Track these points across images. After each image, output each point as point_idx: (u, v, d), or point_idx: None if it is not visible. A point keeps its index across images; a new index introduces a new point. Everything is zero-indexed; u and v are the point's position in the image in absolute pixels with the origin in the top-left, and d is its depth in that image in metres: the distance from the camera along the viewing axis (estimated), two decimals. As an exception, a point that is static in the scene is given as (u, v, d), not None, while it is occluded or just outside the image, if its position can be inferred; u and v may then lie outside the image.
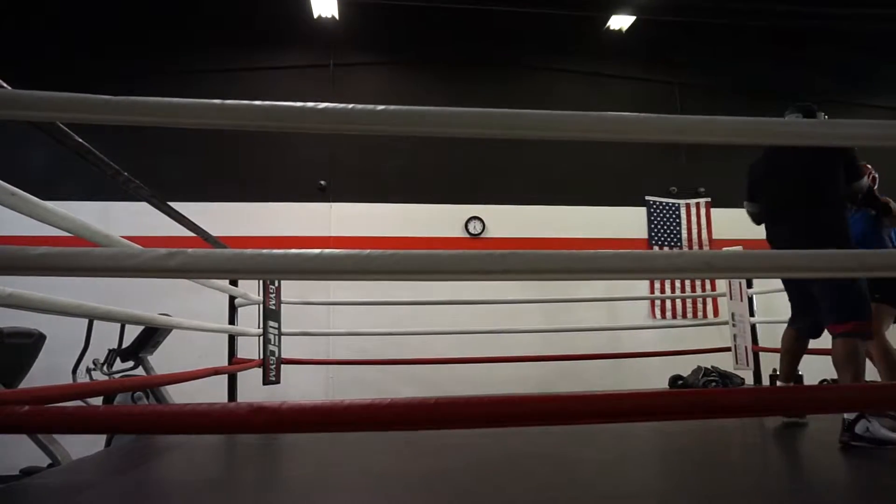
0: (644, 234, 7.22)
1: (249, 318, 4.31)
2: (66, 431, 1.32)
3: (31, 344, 3.54)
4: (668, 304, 7.01)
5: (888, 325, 3.16)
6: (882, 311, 3.11)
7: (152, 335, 4.51)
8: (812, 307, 2.85)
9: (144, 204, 2.65)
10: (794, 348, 3.09)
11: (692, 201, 7.33)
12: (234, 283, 3.98)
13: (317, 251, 1.37)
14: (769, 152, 3.11)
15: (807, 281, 2.77)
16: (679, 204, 7.33)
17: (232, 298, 4.08)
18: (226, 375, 3.95)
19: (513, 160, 7.04)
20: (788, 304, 3.23)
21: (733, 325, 4.79)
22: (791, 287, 3.05)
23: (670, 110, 7.35)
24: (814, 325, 2.93)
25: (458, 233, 6.96)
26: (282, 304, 4.32)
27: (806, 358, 4.46)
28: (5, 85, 1.52)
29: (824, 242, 2.40)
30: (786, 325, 3.20)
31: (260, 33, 7.08)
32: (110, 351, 4.54)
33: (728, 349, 4.87)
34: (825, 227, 2.74)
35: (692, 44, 7.60)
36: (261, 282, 4.11)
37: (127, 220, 5.01)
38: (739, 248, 4.48)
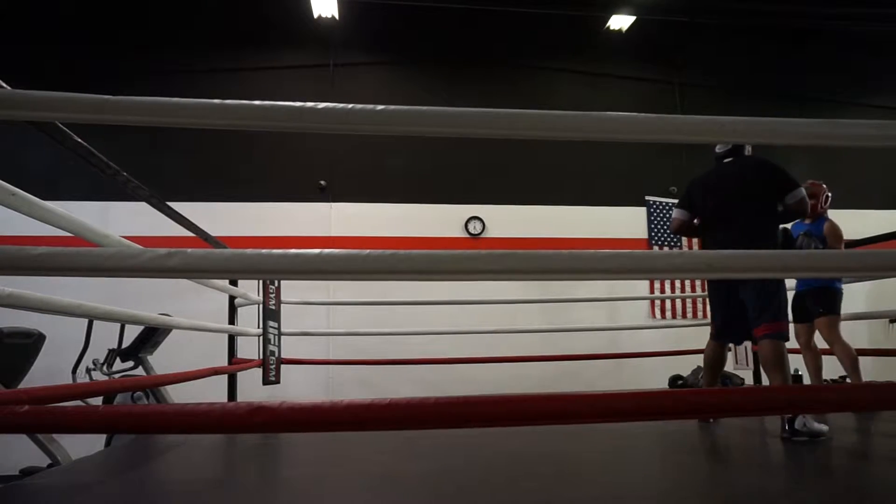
0: (644, 234, 7.22)
1: (249, 318, 4.31)
2: (66, 431, 1.32)
3: (31, 344, 3.54)
4: (668, 304, 7.01)
5: (839, 329, 3.82)
6: (833, 322, 3.80)
7: (152, 335, 4.51)
8: (737, 318, 3.08)
9: (144, 204, 2.65)
10: (715, 360, 3.30)
11: (692, 201, 7.33)
12: (234, 283, 3.98)
13: (317, 251, 1.37)
14: (712, 171, 3.38)
15: (735, 290, 3.04)
16: (679, 204, 7.34)
17: (232, 298, 4.07)
18: (226, 375, 3.95)
19: (513, 160, 7.04)
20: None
21: (733, 325, 4.78)
22: (718, 301, 3.23)
23: (670, 110, 7.36)
24: (737, 333, 3.22)
25: (458, 233, 6.96)
26: (282, 304, 4.32)
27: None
28: (5, 85, 1.52)
29: (758, 246, 2.80)
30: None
31: (260, 33, 7.08)
32: (110, 351, 4.54)
33: (728, 349, 4.86)
34: (759, 233, 2.97)
35: (692, 44, 7.60)
36: (261, 282, 4.11)
37: (127, 220, 5.01)
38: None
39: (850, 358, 3.80)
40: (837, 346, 3.82)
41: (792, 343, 3.83)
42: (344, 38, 7.12)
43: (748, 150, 3.35)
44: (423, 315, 5.84)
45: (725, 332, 3.22)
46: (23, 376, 3.56)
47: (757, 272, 1.67)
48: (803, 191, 3.04)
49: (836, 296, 3.88)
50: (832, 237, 3.88)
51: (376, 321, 5.83)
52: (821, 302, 3.86)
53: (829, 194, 3.90)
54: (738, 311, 3.05)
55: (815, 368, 4.03)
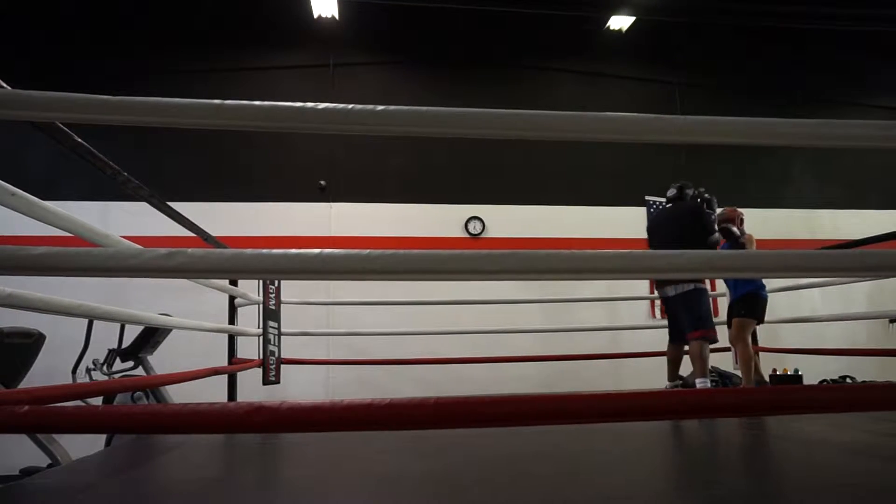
0: (644, 234, 7.21)
1: (249, 318, 4.31)
2: (66, 431, 1.32)
3: (31, 344, 3.54)
4: (668, 304, 7.00)
5: (749, 332, 4.36)
6: (745, 324, 4.31)
7: (152, 335, 4.51)
8: (677, 326, 4.11)
9: (144, 204, 2.65)
10: (675, 356, 4.24)
11: (692, 201, 7.32)
12: (234, 283, 3.98)
13: (317, 251, 1.37)
14: (660, 211, 4.39)
15: (675, 308, 4.04)
16: (679, 204, 7.33)
17: (232, 298, 4.07)
18: (226, 375, 3.95)
19: (513, 160, 7.04)
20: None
21: (733, 326, 4.80)
22: (668, 313, 4.22)
23: (670, 110, 7.35)
24: (679, 337, 4.13)
25: (458, 233, 6.95)
26: (282, 304, 4.32)
27: (806, 358, 4.82)
28: (5, 85, 1.52)
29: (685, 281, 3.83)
30: (759, 328, 4.52)
31: (260, 33, 7.08)
32: (110, 351, 4.54)
33: (728, 349, 4.87)
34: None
35: (692, 44, 7.60)
36: (261, 282, 4.11)
37: (127, 220, 5.02)
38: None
39: (746, 359, 4.28)
40: (740, 345, 4.30)
41: (791, 343, 4.97)
42: (344, 38, 7.12)
43: (689, 194, 4.20)
44: (423, 315, 5.83)
45: (673, 336, 4.19)
46: (23, 376, 3.56)
47: (756, 272, 1.68)
48: (717, 235, 4.07)
49: (760, 303, 4.37)
50: (750, 244, 4.49)
51: (376, 321, 5.83)
52: (745, 305, 4.34)
53: (744, 216, 4.59)
54: (676, 321, 4.12)
55: (742, 358, 4.51)
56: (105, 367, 4.46)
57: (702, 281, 3.98)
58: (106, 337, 4.47)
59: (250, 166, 6.76)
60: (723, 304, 6.33)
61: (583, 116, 1.60)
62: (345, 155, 6.81)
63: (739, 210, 4.63)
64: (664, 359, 5.31)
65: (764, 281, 4.45)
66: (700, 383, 3.84)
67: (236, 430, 1.63)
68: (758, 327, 4.69)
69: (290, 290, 4.66)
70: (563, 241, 6.71)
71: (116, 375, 4.48)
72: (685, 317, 3.96)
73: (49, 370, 3.67)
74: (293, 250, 1.37)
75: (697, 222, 4.00)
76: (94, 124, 1.50)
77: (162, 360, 4.65)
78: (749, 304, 4.32)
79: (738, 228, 4.49)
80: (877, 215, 7.41)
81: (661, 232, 4.20)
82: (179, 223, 3.00)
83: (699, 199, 4.15)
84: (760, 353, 4.93)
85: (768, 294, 4.46)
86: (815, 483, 2.01)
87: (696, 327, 3.89)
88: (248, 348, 4.30)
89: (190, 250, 1.36)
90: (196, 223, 3.17)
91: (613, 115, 1.61)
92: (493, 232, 6.99)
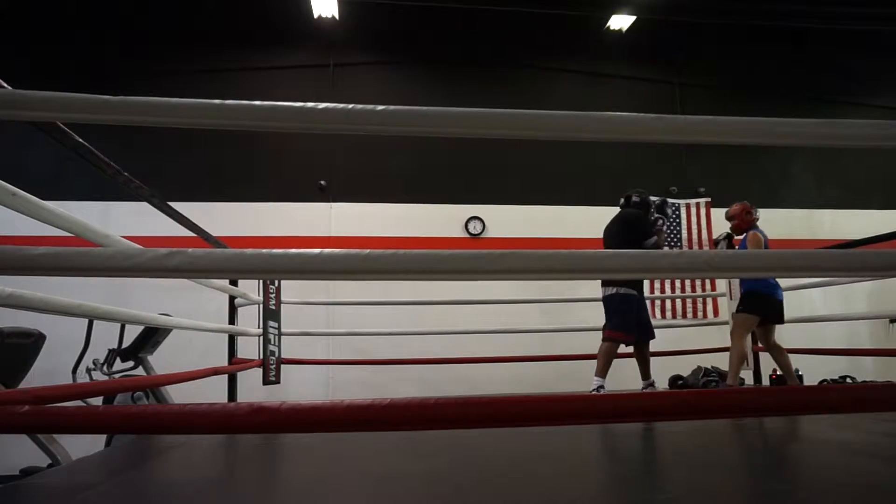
0: (644, 235, 7.22)
1: (249, 318, 4.31)
2: (66, 431, 1.32)
3: (31, 344, 3.54)
4: (668, 304, 7.00)
5: (747, 330, 4.28)
6: (740, 320, 4.24)
7: (152, 335, 4.51)
8: (639, 325, 4.22)
9: (144, 204, 2.65)
10: (638, 356, 4.34)
11: (692, 201, 7.33)
12: (234, 283, 3.98)
13: (317, 251, 1.37)
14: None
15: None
16: (679, 204, 7.33)
17: (232, 298, 4.07)
18: (226, 375, 3.95)
19: (513, 160, 7.04)
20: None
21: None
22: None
23: (670, 110, 7.35)
24: (643, 335, 4.27)
25: (458, 233, 6.95)
26: (282, 304, 4.32)
27: (806, 358, 4.80)
28: (5, 85, 1.52)
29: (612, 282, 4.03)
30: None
31: (260, 33, 7.08)
32: (110, 351, 4.54)
33: (728, 349, 4.87)
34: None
35: (692, 44, 7.60)
36: (261, 282, 4.11)
37: (128, 220, 5.02)
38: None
39: (738, 357, 4.23)
40: (733, 340, 4.25)
41: (791, 343, 4.75)
42: (344, 38, 7.12)
43: (636, 201, 4.31)
44: (423, 315, 5.83)
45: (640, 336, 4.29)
46: (23, 376, 3.56)
47: (757, 272, 1.67)
48: (654, 239, 4.16)
49: (759, 299, 4.22)
50: (751, 245, 4.35)
51: (376, 321, 5.83)
52: (742, 301, 4.28)
53: (752, 211, 4.39)
54: (639, 322, 4.23)
55: (784, 366, 4.43)
56: (105, 367, 4.46)
57: (632, 286, 4.13)
58: (106, 337, 4.47)
59: (250, 166, 6.76)
60: (722, 304, 6.36)
61: (583, 116, 1.60)
62: (345, 155, 6.81)
63: (751, 206, 4.43)
64: (664, 359, 5.33)
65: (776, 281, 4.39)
66: (595, 382, 3.96)
67: (236, 430, 1.63)
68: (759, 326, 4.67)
69: (290, 290, 4.66)
70: (563, 241, 6.71)
71: (116, 375, 4.48)
72: (606, 315, 4.20)
73: (49, 370, 3.67)
74: (293, 250, 1.37)
75: (631, 227, 4.22)
76: (95, 124, 1.50)
77: (162, 360, 4.65)
78: (746, 301, 4.27)
79: (745, 220, 4.37)
80: (877, 215, 7.41)
81: (607, 234, 4.36)
82: (180, 223, 3.00)
83: (643, 204, 4.30)
84: (760, 354, 4.92)
85: (783, 294, 4.32)
86: (815, 483, 2.01)
87: (608, 327, 4.14)
88: (249, 348, 4.29)
89: (190, 250, 1.36)
90: (196, 223, 3.17)
91: (613, 115, 1.61)
92: (493, 232, 6.99)
